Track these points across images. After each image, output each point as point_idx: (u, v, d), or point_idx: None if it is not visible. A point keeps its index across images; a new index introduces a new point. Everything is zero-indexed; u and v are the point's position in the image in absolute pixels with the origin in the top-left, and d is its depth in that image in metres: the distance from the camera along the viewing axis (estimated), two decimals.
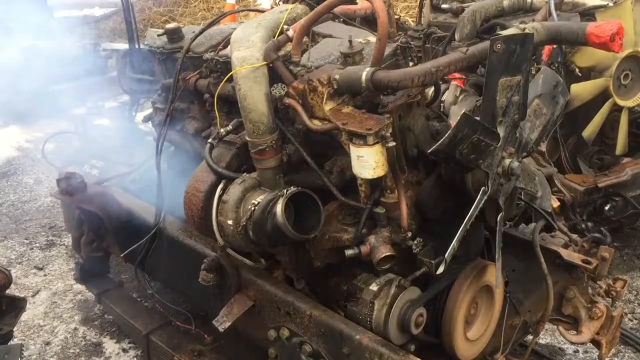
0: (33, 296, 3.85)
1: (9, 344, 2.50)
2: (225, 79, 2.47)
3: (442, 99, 3.30)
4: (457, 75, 3.19)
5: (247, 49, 2.27)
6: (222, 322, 2.38)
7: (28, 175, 5.80)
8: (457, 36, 3.51)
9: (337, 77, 2.09)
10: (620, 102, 3.69)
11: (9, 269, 2.99)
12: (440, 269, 1.98)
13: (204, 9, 11.24)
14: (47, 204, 5.16)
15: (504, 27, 3.14)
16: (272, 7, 3.39)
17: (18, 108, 6.38)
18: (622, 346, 3.29)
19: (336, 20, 2.83)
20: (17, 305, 2.61)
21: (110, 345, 3.42)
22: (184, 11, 11.47)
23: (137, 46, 3.44)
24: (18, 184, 5.61)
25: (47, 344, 3.44)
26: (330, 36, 2.68)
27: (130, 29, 3.42)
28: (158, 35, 3.15)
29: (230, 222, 2.20)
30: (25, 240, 4.53)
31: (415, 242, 2.14)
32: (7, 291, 2.59)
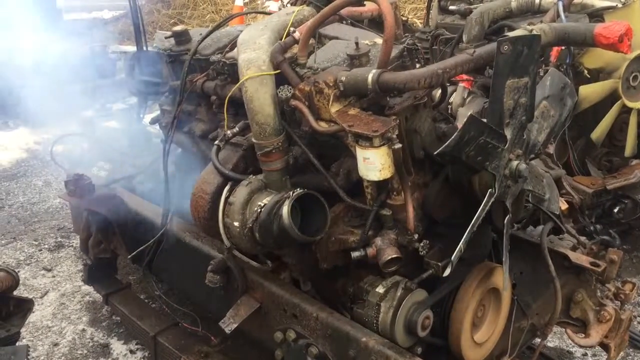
0: (41, 297, 3.87)
1: (16, 345, 2.51)
2: (237, 85, 2.44)
3: (450, 100, 3.30)
4: (465, 77, 3.19)
5: (253, 51, 2.27)
6: (229, 324, 2.38)
7: (37, 177, 5.84)
8: (465, 38, 3.51)
9: (343, 79, 2.08)
10: (629, 104, 3.67)
11: (17, 270, 3.00)
12: (447, 272, 1.97)
13: (212, 12, 11.29)
14: (56, 205, 5.18)
15: (512, 29, 3.13)
16: (279, 10, 3.39)
17: (27, 110, 6.41)
18: (630, 349, 3.27)
19: (344, 22, 2.83)
20: (24, 307, 2.61)
21: (117, 347, 3.42)
22: (193, 14, 11.53)
23: (145, 48, 3.45)
24: (27, 186, 5.64)
25: (55, 345, 3.45)
26: (337, 38, 2.68)
27: (137, 32, 3.43)
28: (165, 38, 3.16)
29: (236, 223, 2.20)
30: (34, 242, 4.55)
31: (422, 244, 2.13)
32: (15, 292, 2.60)
